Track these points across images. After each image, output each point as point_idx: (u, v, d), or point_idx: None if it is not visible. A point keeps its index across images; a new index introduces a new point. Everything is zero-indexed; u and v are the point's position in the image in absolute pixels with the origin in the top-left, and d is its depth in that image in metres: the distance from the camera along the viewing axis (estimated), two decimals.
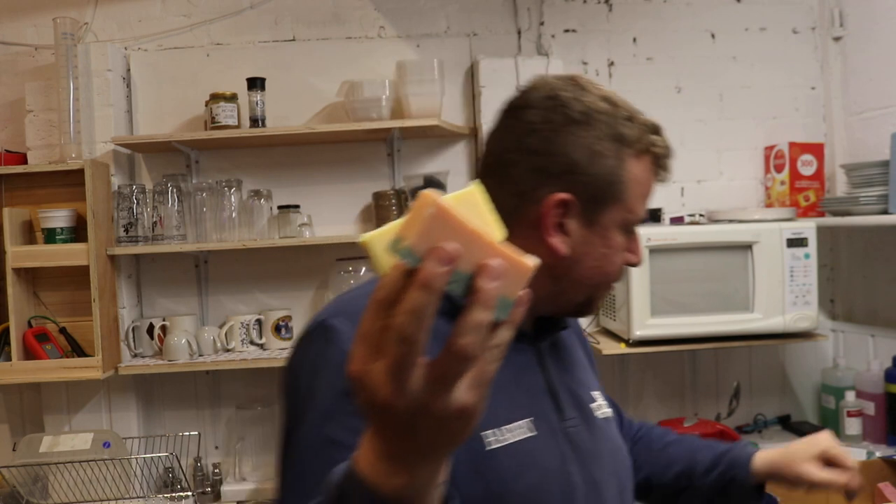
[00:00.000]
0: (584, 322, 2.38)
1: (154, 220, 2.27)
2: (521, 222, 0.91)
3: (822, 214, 2.38)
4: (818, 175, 2.44)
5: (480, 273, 0.48)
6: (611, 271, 0.96)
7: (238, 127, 2.28)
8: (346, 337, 0.83)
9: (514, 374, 0.92)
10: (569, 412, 0.97)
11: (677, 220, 2.41)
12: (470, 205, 0.52)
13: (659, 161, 0.96)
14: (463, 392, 0.49)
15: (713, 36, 2.56)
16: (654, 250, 2.14)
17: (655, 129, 0.95)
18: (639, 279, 2.13)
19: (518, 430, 0.89)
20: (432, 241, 0.47)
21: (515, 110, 0.94)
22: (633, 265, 0.99)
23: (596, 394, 1.05)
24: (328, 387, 0.82)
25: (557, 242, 0.91)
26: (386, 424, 0.51)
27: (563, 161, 0.90)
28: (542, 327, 1.00)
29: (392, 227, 0.50)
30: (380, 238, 0.50)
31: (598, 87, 0.94)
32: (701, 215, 2.43)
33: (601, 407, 1.04)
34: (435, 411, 0.49)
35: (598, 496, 0.95)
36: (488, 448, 0.86)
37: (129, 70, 2.43)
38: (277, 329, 2.36)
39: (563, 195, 0.90)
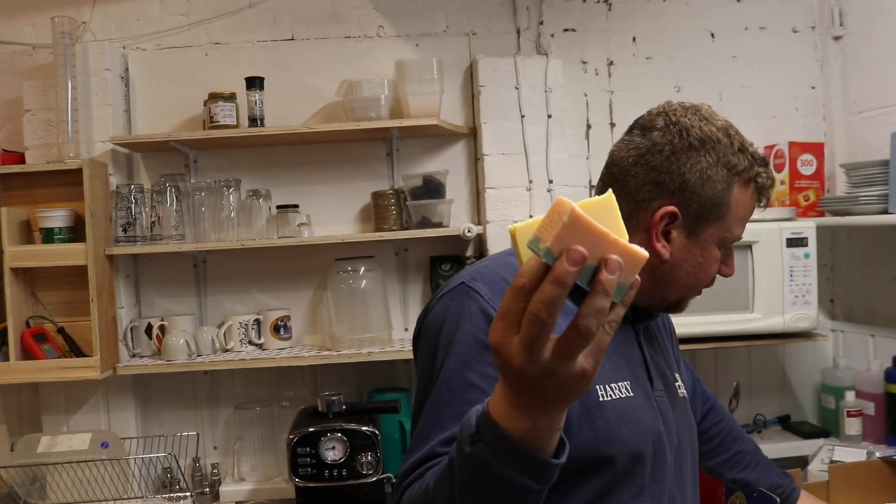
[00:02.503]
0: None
1: (152, 219, 2.26)
2: (633, 226, 1.07)
3: (821, 214, 2.37)
4: (818, 175, 2.43)
5: (603, 266, 0.58)
6: (703, 279, 1.11)
7: (237, 126, 2.28)
8: (484, 296, 1.00)
9: (617, 344, 1.08)
10: (657, 384, 1.12)
11: None
12: (603, 209, 0.61)
13: (762, 190, 1.10)
14: (583, 359, 0.61)
15: (713, 35, 2.55)
16: None
17: (763, 162, 1.09)
18: None
19: (621, 389, 1.04)
20: (566, 242, 0.57)
21: (642, 129, 1.09)
22: (725, 276, 1.13)
23: (678, 375, 1.22)
24: (469, 336, 0.97)
25: (661, 247, 1.07)
26: (518, 384, 0.63)
27: (677, 179, 1.05)
28: (638, 314, 1.15)
29: (533, 223, 0.59)
30: (523, 232, 0.60)
31: (718, 117, 1.08)
32: None
33: (681, 387, 1.21)
34: (560, 375, 0.61)
35: (681, 457, 1.13)
36: (600, 399, 1.01)
37: (127, 69, 2.42)
38: (276, 329, 2.35)
39: (671, 208, 1.05)
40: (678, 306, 1.15)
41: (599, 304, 0.58)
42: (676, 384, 1.20)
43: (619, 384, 1.04)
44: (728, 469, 1.50)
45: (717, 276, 1.13)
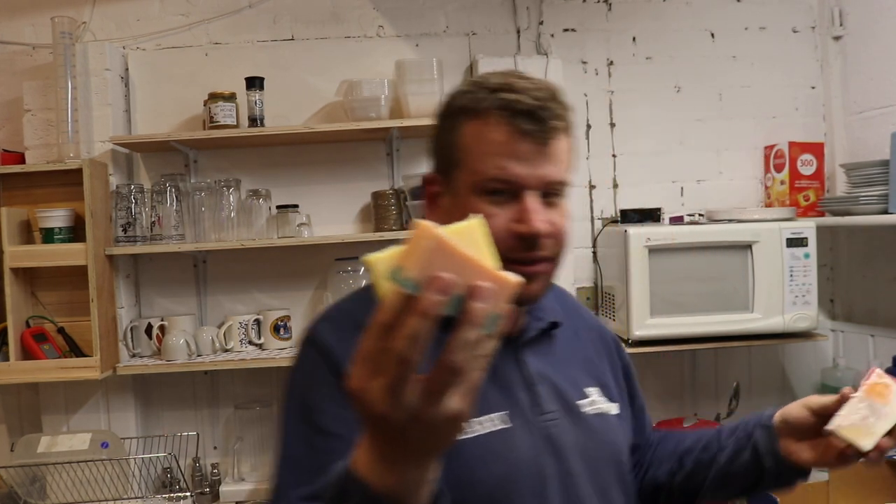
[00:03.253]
0: None
1: (152, 219, 2.26)
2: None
3: (821, 214, 2.37)
4: (818, 175, 2.43)
5: (471, 294, 0.53)
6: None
7: (237, 126, 2.28)
8: (323, 336, 0.95)
9: (491, 371, 0.92)
10: (548, 406, 1.00)
11: (677, 220, 2.40)
12: (469, 235, 0.57)
13: (510, 113, 0.93)
14: (454, 400, 0.54)
15: (713, 35, 2.56)
16: (654, 250, 2.13)
17: (506, 88, 0.94)
18: (638, 279, 2.12)
19: (489, 423, 0.94)
20: (430, 270, 0.52)
21: None
22: (523, 233, 0.93)
23: (591, 390, 1.07)
24: (307, 381, 0.93)
25: (429, 216, 0.96)
26: (383, 433, 0.56)
27: (430, 148, 1.03)
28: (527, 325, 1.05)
29: (394, 254, 0.54)
30: (382, 262, 0.54)
31: (495, 74, 0.98)
32: (700, 215, 2.43)
33: (595, 403, 1.06)
34: (429, 420, 0.54)
35: (573, 489, 0.97)
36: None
37: (127, 69, 2.42)
38: (276, 329, 2.35)
39: (428, 174, 1.02)
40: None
41: (469, 337, 0.52)
42: (583, 401, 1.04)
43: (488, 416, 0.94)
44: (683, 458, 1.16)
45: (548, 239, 0.95)
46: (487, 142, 0.93)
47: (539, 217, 0.93)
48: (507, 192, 0.93)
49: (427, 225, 0.53)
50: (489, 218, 0.88)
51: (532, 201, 0.93)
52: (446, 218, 0.86)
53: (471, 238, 0.56)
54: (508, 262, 0.88)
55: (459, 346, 0.52)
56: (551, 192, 0.95)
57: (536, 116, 0.92)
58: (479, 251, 0.56)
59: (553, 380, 1.03)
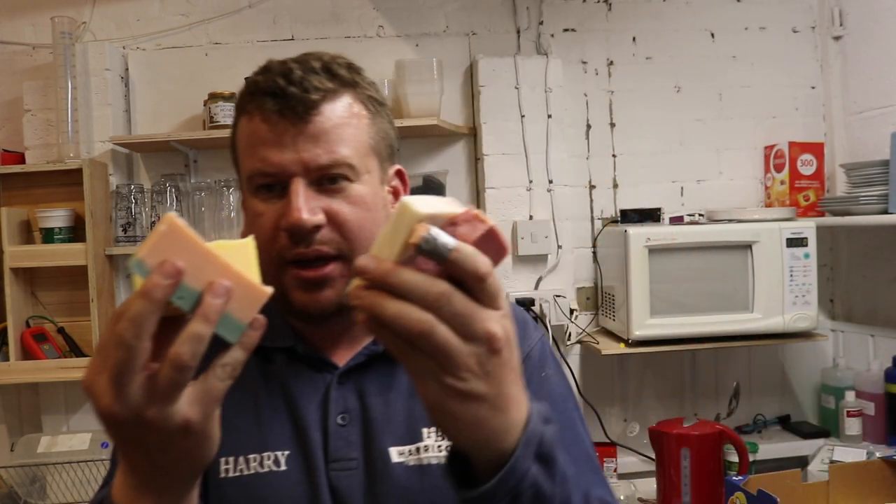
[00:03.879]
0: (574, 329, 2.38)
1: (152, 219, 2.26)
2: None
3: (821, 214, 2.37)
4: (818, 175, 2.43)
5: (207, 289, 0.52)
6: (262, 243, 0.73)
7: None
8: None
9: (277, 403, 0.85)
10: (342, 453, 0.83)
11: (677, 220, 2.40)
12: (237, 253, 0.55)
13: (258, 97, 0.83)
14: (185, 406, 0.52)
15: (713, 35, 2.56)
16: (654, 250, 2.13)
17: (257, 72, 0.85)
18: (638, 279, 2.12)
19: (262, 463, 0.82)
20: (163, 256, 0.51)
21: None
22: (288, 228, 0.81)
23: (430, 432, 0.85)
24: None
25: (242, 230, 0.88)
26: (115, 436, 0.53)
27: None
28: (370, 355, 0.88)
29: (141, 246, 0.53)
30: (134, 256, 0.53)
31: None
32: (700, 215, 2.43)
33: (426, 450, 0.84)
34: (156, 422, 0.51)
35: None
36: (221, 475, 0.82)
37: (127, 69, 2.42)
38: None
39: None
40: (291, 304, 0.84)
41: (196, 331, 0.50)
42: (410, 447, 0.84)
43: (265, 454, 0.82)
44: None
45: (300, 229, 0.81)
46: (248, 135, 0.84)
47: (300, 205, 0.79)
48: (276, 185, 0.82)
49: (170, 216, 0.52)
50: (259, 218, 0.83)
51: (297, 189, 0.80)
52: (247, 232, 0.81)
53: (240, 256, 0.55)
54: (288, 266, 0.82)
55: (185, 338, 0.50)
56: (332, 177, 0.82)
57: (284, 93, 0.81)
58: (247, 269, 0.54)
59: (373, 420, 0.84)
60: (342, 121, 0.83)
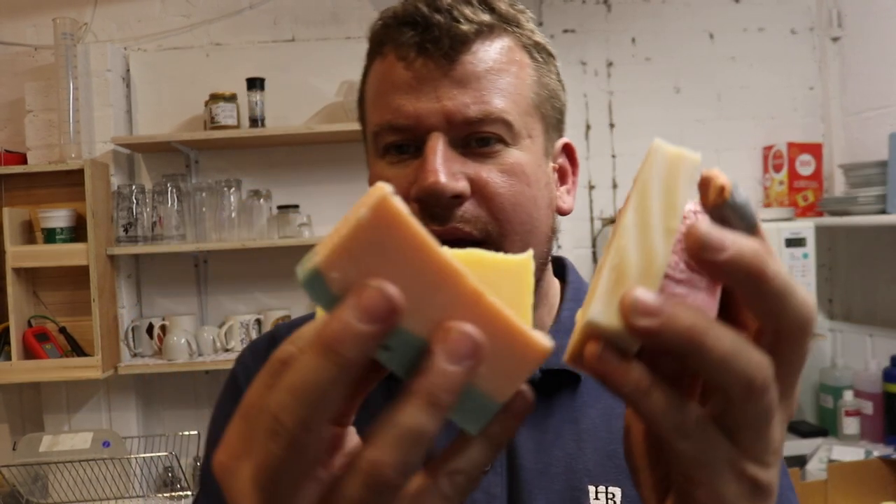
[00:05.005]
0: None
1: (153, 219, 2.27)
2: None
3: (820, 214, 2.38)
4: (816, 175, 2.44)
5: (436, 339, 0.29)
6: None
7: (237, 127, 2.29)
8: (243, 361, 0.78)
9: None
10: None
11: None
12: (502, 277, 0.33)
13: (394, 29, 0.65)
14: None
15: (712, 36, 2.56)
16: None
17: (398, 10, 0.67)
18: None
19: None
20: (364, 269, 0.28)
21: None
22: (420, 195, 0.62)
23: (611, 492, 0.65)
24: (213, 419, 0.76)
25: None
26: None
27: None
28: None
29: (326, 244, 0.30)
30: (308, 260, 0.30)
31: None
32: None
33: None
34: None
35: None
36: None
37: (128, 70, 2.43)
38: None
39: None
40: None
41: (411, 424, 0.28)
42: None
43: None
44: None
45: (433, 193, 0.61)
46: (378, 80, 0.68)
47: (437, 166, 0.61)
48: (410, 144, 0.64)
49: (381, 190, 0.29)
50: (387, 179, 0.63)
51: (435, 146, 0.62)
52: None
53: (502, 280, 0.33)
54: None
55: (390, 437, 0.28)
56: (483, 137, 0.63)
57: (427, 22, 0.63)
58: (509, 301, 0.31)
59: (522, 469, 0.64)
60: (500, 66, 0.64)
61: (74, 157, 2.22)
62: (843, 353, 2.51)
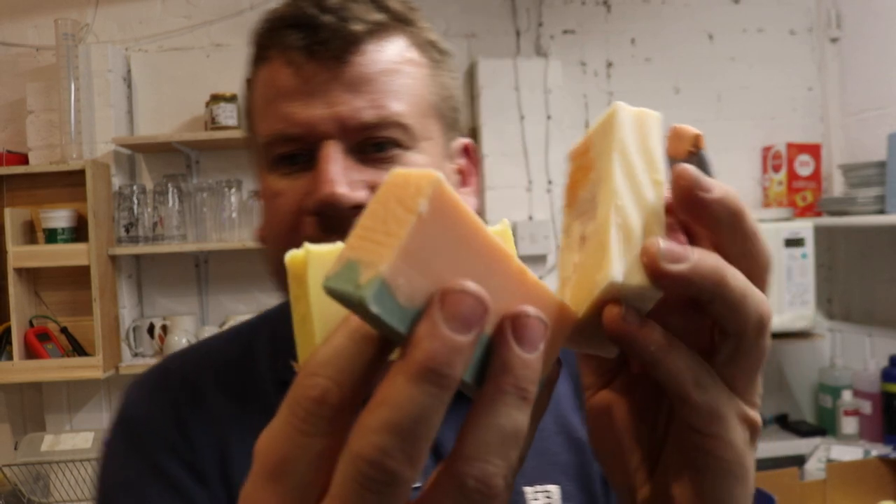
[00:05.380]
0: None
1: (154, 220, 2.28)
2: None
3: (819, 214, 2.39)
4: (815, 175, 2.45)
5: (509, 331, 0.26)
6: (279, 233, 0.61)
7: (238, 127, 2.29)
8: (136, 413, 0.67)
9: None
10: None
11: None
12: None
13: (280, 32, 0.61)
14: None
15: (711, 37, 2.57)
16: None
17: (283, 3, 0.63)
18: None
19: None
20: (431, 268, 0.25)
21: None
22: (317, 208, 0.58)
23: (548, 490, 0.64)
24: (109, 483, 0.65)
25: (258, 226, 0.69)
26: None
27: None
28: None
29: (337, 249, 0.28)
30: (319, 263, 0.28)
31: None
32: None
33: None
34: None
35: None
36: None
37: (129, 71, 2.44)
38: None
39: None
40: None
41: (511, 426, 0.25)
42: None
43: None
44: None
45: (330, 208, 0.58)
46: (265, 87, 0.63)
47: (335, 175, 0.57)
48: (302, 154, 0.60)
49: (433, 177, 0.25)
50: (277, 199, 0.61)
51: (330, 154, 0.58)
52: (266, 227, 0.63)
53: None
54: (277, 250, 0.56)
55: (494, 444, 0.25)
56: (379, 142, 0.60)
57: (314, 23, 0.59)
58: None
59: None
60: (394, 66, 0.61)
61: (75, 157, 2.23)
62: (842, 352, 2.52)
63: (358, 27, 0.60)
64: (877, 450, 2.09)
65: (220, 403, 0.65)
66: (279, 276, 0.59)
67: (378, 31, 0.61)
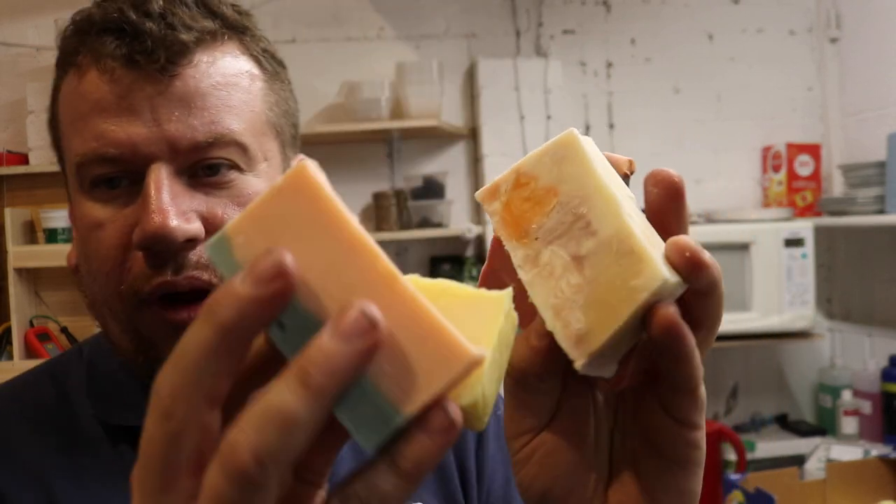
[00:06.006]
0: None
1: None
2: None
3: (819, 215, 2.39)
4: (815, 175, 2.45)
5: (332, 318, 0.25)
6: (103, 270, 0.54)
7: None
8: None
9: None
10: None
11: None
12: (469, 308, 0.29)
13: (95, 39, 0.54)
14: None
15: (711, 37, 2.57)
16: None
17: (94, 5, 0.57)
18: None
19: None
20: (273, 239, 0.27)
21: None
22: (144, 243, 0.52)
23: None
24: None
25: (72, 254, 0.62)
26: None
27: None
28: None
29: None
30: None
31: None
32: (699, 215, 2.44)
33: None
34: None
35: None
36: None
37: None
38: None
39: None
40: (143, 353, 0.55)
41: (275, 402, 0.24)
42: None
43: None
44: None
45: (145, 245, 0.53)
46: (78, 100, 0.55)
47: (165, 204, 0.51)
48: (123, 177, 0.54)
49: (302, 165, 0.27)
50: (96, 231, 0.54)
51: (158, 179, 0.52)
52: (82, 258, 0.57)
53: (473, 317, 0.29)
54: (146, 304, 0.53)
55: (260, 419, 0.24)
56: (213, 164, 0.54)
57: (135, 29, 0.52)
58: (476, 332, 0.27)
59: None
60: (227, 79, 0.55)
61: None
62: (841, 352, 2.52)
63: (186, 35, 0.53)
64: (876, 450, 2.09)
65: (38, 456, 0.57)
66: (95, 310, 0.56)
67: (209, 39, 0.55)
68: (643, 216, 0.35)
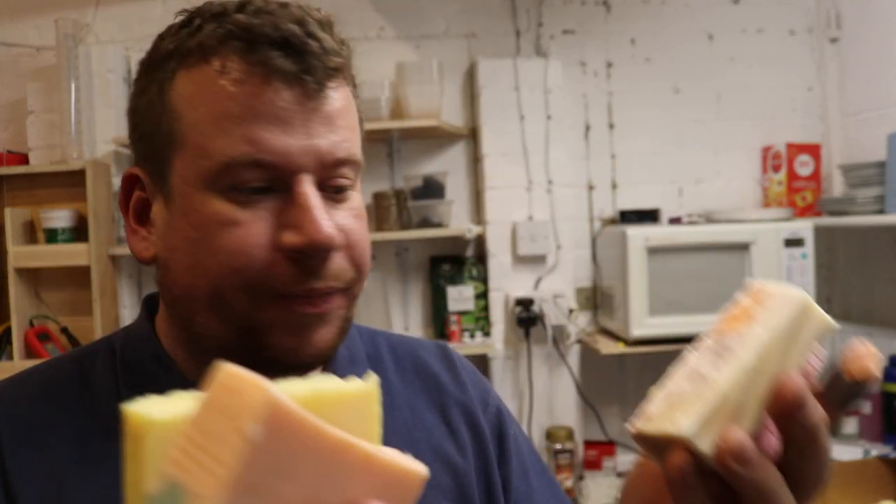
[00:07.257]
0: (573, 329, 2.39)
1: None
2: None
3: (819, 215, 2.39)
4: (815, 175, 2.45)
5: None
6: (242, 269, 0.55)
7: None
8: None
9: None
10: None
11: (675, 221, 2.42)
12: (350, 413, 0.31)
13: (252, 45, 0.55)
14: None
15: (711, 37, 2.57)
16: (653, 250, 2.15)
17: (242, 7, 0.57)
18: (637, 279, 2.14)
19: None
20: (263, 489, 0.24)
21: None
22: (302, 251, 0.55)
23: None
24: None
25: (136, 242, 0.62)
26: None
27: (128, 125, 0.62)
28: None
29: (180, 421, 0.26)
30: (162, 436, 0.25)
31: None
32: (699, 215, 2.44)
33: None
34: None
35: None
36: None
37: (129, 71, 2.44)
38: None
39: (131, 170, 0.61)
40: (251, 344, 0.56)
41: None
42: None
43: None
44: None
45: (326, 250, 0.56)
46: (220, 99, 0.55)
47: (325, 219, 0.55)
48: (268, 183, 0.55)
49: (241, 377, 0.25)
50: (233, 228, 0.54)
51: (312, 192, 0.55)
52: (166, 244, 0.58)
53: (354, 415, 0.31)
54: (282, 301, 0.55)
55: None
56: (337, 181, 0.59)
57: (302, 49, 0.55)
58: (358, 430, 0.30)
59: None
60: (348, 101, 0.60)
61: (76, 157, 2.23)
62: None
63: (336, 61, 0.57)
64: (877, 450, 2.09)
65: (54, 443, 0.57)
66: (185, 301, 0.58)
67: (343, 71, 0.59)
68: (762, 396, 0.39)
